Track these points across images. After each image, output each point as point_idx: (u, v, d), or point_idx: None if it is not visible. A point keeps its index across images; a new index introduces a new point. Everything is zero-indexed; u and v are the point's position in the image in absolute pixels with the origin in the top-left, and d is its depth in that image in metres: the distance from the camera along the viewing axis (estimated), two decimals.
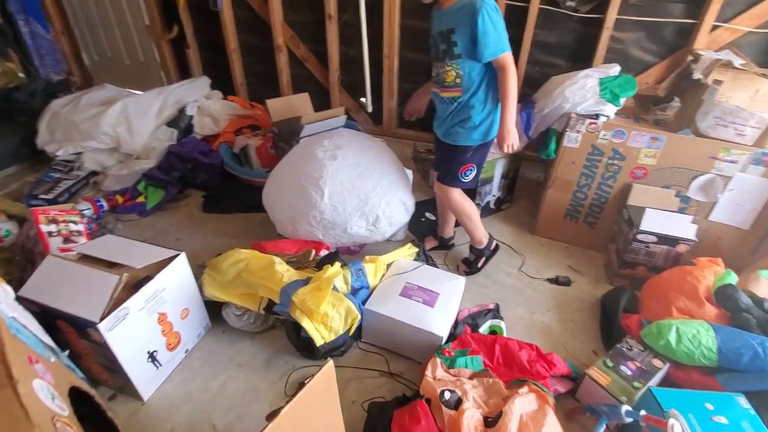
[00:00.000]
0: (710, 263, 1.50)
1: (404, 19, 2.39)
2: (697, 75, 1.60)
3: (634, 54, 2.12)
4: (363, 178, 1.66)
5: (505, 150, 1.43)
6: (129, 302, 1.19)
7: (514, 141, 1.41)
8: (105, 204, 2.03)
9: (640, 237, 1.61)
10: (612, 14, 2.00)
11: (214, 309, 1.49)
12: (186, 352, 1.45)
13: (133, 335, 1.22)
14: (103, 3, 2.99)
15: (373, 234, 1.70)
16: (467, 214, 1.67)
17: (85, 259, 1.31)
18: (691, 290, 1.43)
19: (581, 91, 1.72)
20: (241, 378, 1.36)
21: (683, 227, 1.62)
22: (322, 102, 2.73)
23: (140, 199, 2.09)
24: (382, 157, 1.76)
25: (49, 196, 2.10)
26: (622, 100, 1.73)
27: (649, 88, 1.99)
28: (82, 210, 1.85)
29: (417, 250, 1.68)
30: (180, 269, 1.34)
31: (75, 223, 1.68)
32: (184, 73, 2.99)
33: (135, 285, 1.23)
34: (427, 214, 2.14)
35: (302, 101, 2.40)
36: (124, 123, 2.19)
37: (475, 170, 1.58)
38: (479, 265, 1.80)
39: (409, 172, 1.87)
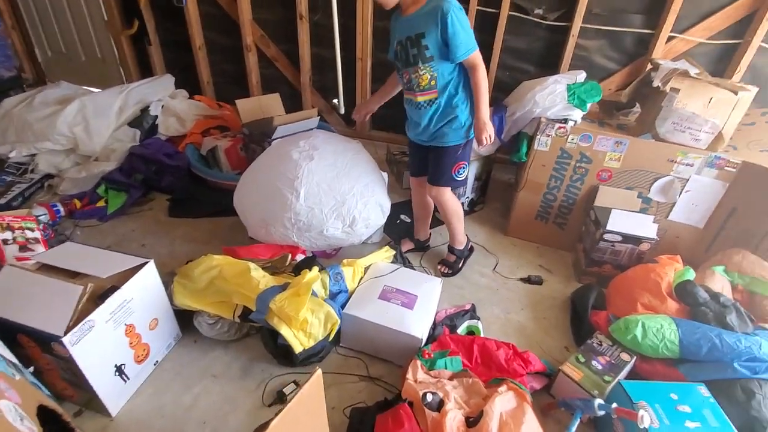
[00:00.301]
0: (670, 261, 1.59)
1: (377, 20, 2.39)
2: (656, 83, 1.69)
3: (598, 61, 2.22)
4: (340, 179, 1.64)
5: (484, 142, 1.47)
6: (94, 314, 1.12)
7: (490, 132, 1.46)
8: (62, 209, 1.91)
9: (606, 237, 1.68)
10: (577, 23, 2.08)
11: (185, 318, 1.43)
12: (155, 364, 1.38)
13: (99, 348, 1.16)
14: None
15: (350, 236, 1.68)
16: (458, 215, 1.72)
17: (45, 268, 1.22)
18: (654, 287, 1.50)
19: (551, 97, 1.78)
20: (216, 389, 1.31)
21: (645, 227, 1.70)
22: (293, 103, 2.68)
23: (100, 204, 1.98)
24: (358, 159, 1.74)
25: (1, 201, 1.94)
26: (589, 106, 1.81)
27: (613, 94, 2.09)
28: (38, 215, 1.73)
29: (394, 252, 1.68)
30: (148, 278, 1.28)
31: (32, 230, 1.57)
32: (146, 70, 2.86)
33: (100, 296, 1.16)
34: (403, 216, 2.15)
35: (273, 102, 2.35)
36: (82, 123, 2.07)
37: (467, 167, 1.63)
38: (460, 266, 1.82)
39: (385, 175, 1.87)
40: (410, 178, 1.80)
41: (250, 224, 1.71)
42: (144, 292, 1.27)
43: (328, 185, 1.61)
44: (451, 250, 1.83)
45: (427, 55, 1.37)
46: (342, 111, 2.69)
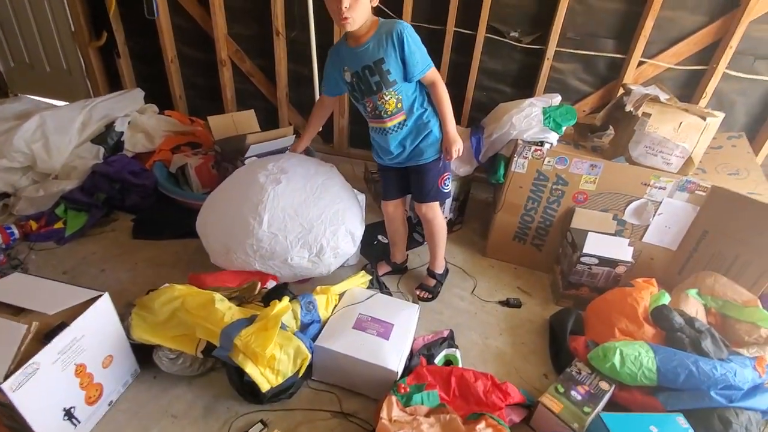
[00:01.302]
0: (646, 284, 1.59)
1: None
2: (628, 107, 1.71)
3: (572, 84, 2.26)
4: (308, 205, 1.57)
5: (454, 155, 1.47)
6: (39, 356, 1.02)
7: (459, 146, 1.47)
8: (16, 231, 1.78)
9: (583, 259, 1.68)
10: (552, 46, 2.11)
11: (143, 352, 1.33)
12: (110, 404, 1.27)
13: (44, 392, 1.06)
14: (23, 4, 2.68)
15: (317, 266, 1.59)
16: (444, 234, 1.71)
17: None
18: (631, 312, 1.50)
19: (527, 119, 1.78)
20: (176, 431, 1.22)
21: (621, 249, 1.71)
22: (269, 118, 2.62)
23: (58, 225, 1.85)
24: (330, 184, 1.68)
25: None
26: (564, 129, 1.82)
27: (587, 117, 2.12)
28: None
29: (370, 277, 1.63)
30: (102, 312, 1.19)
31: None
32: (115, 83, 2.75)
33: (47, 334, 1.06)
34: (380, 237, 2.10)
35: (247, 118, 2.28)
36: (41, 139, 1.95)
37: (451, 177, 1.63)
38: (439, 290, 1.80)
39: (362, 196, 1.82)
40: (384, 203, 1.74)
41: (213, 250, 1.62)
42: (97, 328, 1.17)
43: (295, 211, 1.53)
44: (432, 274, 1.80)
45: (390, 79, 1.37)
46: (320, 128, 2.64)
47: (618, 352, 1.34)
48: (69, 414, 1.15)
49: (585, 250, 1.67)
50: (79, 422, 1.17)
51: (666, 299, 1.53)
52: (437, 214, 1.64)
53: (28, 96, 2.38)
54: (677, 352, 1.34)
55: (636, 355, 1.33)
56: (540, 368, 1.54)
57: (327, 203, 1.60)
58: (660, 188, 1.72)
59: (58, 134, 1.97)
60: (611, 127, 1.92)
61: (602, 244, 1.70)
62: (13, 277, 1.28)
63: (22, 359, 1.00)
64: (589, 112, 2.28)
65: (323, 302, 1.43)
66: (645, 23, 1.97)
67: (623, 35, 2.08)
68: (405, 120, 1.45)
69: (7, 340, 1.03)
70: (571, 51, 2.16)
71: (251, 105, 2.54)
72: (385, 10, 2.25)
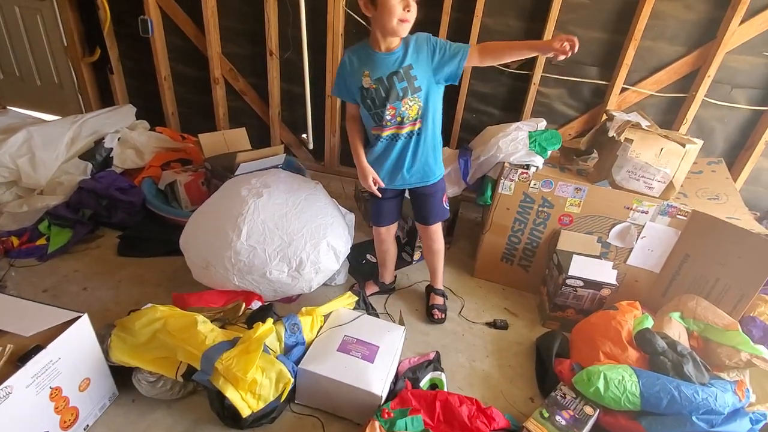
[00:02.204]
0: (630, 307, 1.61)
1: None
2: (611, 133, 1.76)
3: (558, 108, 2.31)
4: (288, 218, 1.55)
5: (567, 44, 1.29)
6: (12, 379, 1.00)
7: (570, 37, 1.31)
8: None
9: (569, 282, 1.69)
10: (538, 72, 2.18)
11: (122, 373, 1.30)
12: (86, 428, 1.24)
13: (17, 417, 1.02)
14: (15, 19, 2.69)
15: (297, 281, 1.55)
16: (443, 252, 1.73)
17: None
18: (615, 335, 1.51)
19: (513, 143, 1.82)
20: None
21: (606, 272, 1.73)
22: (261, 136, 2.64)
23: (41, 242, 1.83)
24: (313, 199, 1.67)
25: None
26: (549, 152, 1.86)
27: (573, 140, 2.17)
28: None
29: (357, 298, 1.62)
30: (80, 334, 1.16)
31: None
32: (107, 99, 2.75)
33: (21, 357, 1.04)
34: (368, 256, 2.10)
35: (238, 136, 2.30)
36: (27, 154, 1.93)
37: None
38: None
39: (351, 215, 1.82)
40: (376, 229, 1.70)
41: (193, 264, 1.60)
42: (74, 350, 1.15)
43: (275, 224, 1.52)
44: (438, 291, 1.82)
45: (416, 85, 1.38)
46: (311, 146, 2.66)
47: (602, 376, 1.34)
48: None
49: (570, 272, 1.69)
50: None
51: (649, 322, 1.54)
52: (440, 234, 1.69)
53: (15, 109, 2.35)
54: (660, 376, 1.35)
55: (620, 379, 1.33)
56: (526, 392, 1.53)
57: (309, 217, 1.58)
58: (642, 212, 1.76)
59: (45, 149, 1.96)
60: (595, 151, 1.96)
61: (587, 267, 1.72)
62: None
63: None
64: (575, 135, 2.33)
65: (308, 324, 1.42)
66: (627, 52, 2.04)
67: (606, 63, 2.15)
68: (419, 128, 1.44)
69: None
70: (557, 77, 2.22)
71: (243, 123, 2.56)
72: None
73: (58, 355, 1.10)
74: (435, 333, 1.73)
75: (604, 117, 1.98)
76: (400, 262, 2.09)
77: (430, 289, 1.85)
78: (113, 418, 1.27)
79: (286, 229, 1.53)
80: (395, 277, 1.93)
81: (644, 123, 1.80)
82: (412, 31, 1.37)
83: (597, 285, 1.69)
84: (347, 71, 1.42)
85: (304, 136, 2.63)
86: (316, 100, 2.51)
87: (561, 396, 1.39)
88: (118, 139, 2.19)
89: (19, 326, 1.10)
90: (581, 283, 1.70)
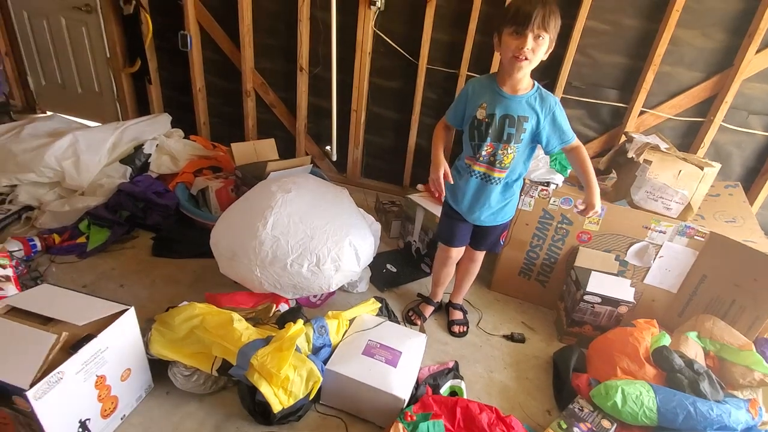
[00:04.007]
0: (647, 325, 1.64)
1: (372, 77, 2.53)
2: (630, 154, 1.82)
3: (577, 128, 2.38)
4: (313, 214, 1.59)
5: (592, 215, 1.47)
6: (65, 365, 1.06)
7: (598, 209, 1.46)
8: (38, 243, 1.85)
9: (586, 298, 1.73)
10: (558, 93, 2.25)
11: (158, 367, 1.37)
12: (122, 418, 1.30)
13: (65, 403, 1.08)
14: (61, 30, 2.87)
15: (316, 276, 1.56)
16: None
17: (16, 312, 1.17)
18: (632, 351, 1.54)
19: (534, 161, 1.88)
20: None
21: (623, 290, 1.76)
22: (286, 147, 2.74)
23: (81, 240, 1.92)
24: (339, 201, 1.73)
25: None
26: (569, 171, 1.92)
27: (592, 160, 2.22)
28: (12, 251, 1.67)
29: (380, 305, 1.68)
30: (127, 326, 1.23)
31: (3, 266, 1.50)
32: (143, 107, 2.90)
33: (74, 345, 1.11)
34: (389, 266, 2.16)
35: (267, 147, 2.40)
36: (72, 157, 2.05)
37: None
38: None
39: (377, 225, 1.89)
40: (446, 248, 1.70)
41: (220, 256, 1.64)
42: (120, 342, 1.22)
43: (300, 218, 1.57)
44: (458, 307, 1.88)
45: (521, 137, 1.40)
46: (334, 158, 2.76)
47: (620, 390, 1.37)
48: (84, 426, 1.17)
49: (588, 289, 1.73)
50: None
51: (667, 340, 1.57)
52: (482, 258, 1.76)
53: (61, 115, 2.50)
54: (676, 392, 1.38)
55: (637, 395, 1.36)
56: (544, 404, 1.56)
57: (333, 216, 1.63)
58: (660, 232, 1.80)
59: (89, 153, 2.07)
60: (614, 171, 2.02)
61: (605, 284, 1.76)
62: (41, 287, 1.34)
63: (48, 368, 1.04)
64: (593, 156, 2.39)
65: (334, 327, 1.48)
66: (646, 77, 2.11)
67: (626, 86, 2.22)
68: (504, 177, 1.47)
69: (35, 349, 1.07)
70: (577, 98, 2.29)
71: (271, 134, 2.67)
72: (406, 54, 2.41)
73: (106, 345, 1.17)
74: (454, 343, 1.77)
75: (624, 138, 2.03)
76: (419, 273, 2.15)
77: (450, 304, 1.90)
78: (149, 409, 1.33)
79: (310, 223, 1.57)
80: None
81: (663, 145, 1.85)
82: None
83: (615, 302, 1.73)
84: (468, 97, 1.44)
85: (328, 147, 2.73)
86: (341, 114, 2.62)
87: (579, 409, 1.42)
88: (156, 145, 2.30)
89: (71, 316, 1.17)
90: (599, 300, 1.73)
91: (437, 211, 2.01)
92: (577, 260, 1.86)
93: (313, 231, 1.57)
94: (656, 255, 1.83)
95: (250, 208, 1.64)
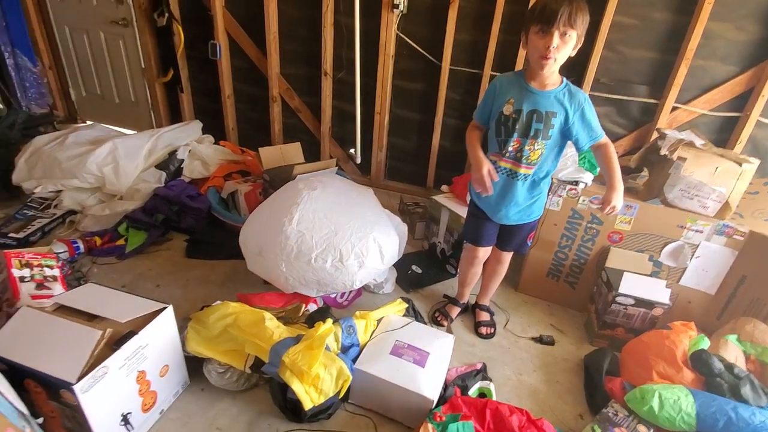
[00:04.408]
0: (684, 327, 1.58)
1: (395, 79, 2.55)
2: (663, 151, 1.76)
3: (605, 126, 2.31)
4: (338, 211, 1.61)
5: (610, 210, 1.38)
6: (109, 360, 1.11)
7: (619, 207, 1.39)
8: (81, 245, 1.95)
9: (618, 299, 1.69)
10: (585, 90, 2.21)
11: (194, 364, 1.42)
12: (161, 413, 1.35)
13: (108, 396, 1.14)
14: (100, 43, 3.03)
15: (339, 273, 1.55)
16: None
17: (63, 310, 1.24)
18: (669, 355, 1.49)
19: (562, 159, 1.84)
20: None
21: (658, 291, 1.71)
22: (311, 150, 2.80)
23: (120, 242, 2.02)
24: (364, 200, 1.74)
25: (20, 235, 1.99)
26: (599, 170, 1.87)
27: (621, 158, 2.16)
28: (58, 252, 1.77)
29: (407, 306, 1.68)
30: (165, 323, 1.29)
31: (51, 267, 1.59)
32: (175, 115, 3.02)
33: (117, 341, 1.17)
34: (414, 267, 2.16)
35: (294, 150, 2.46)
36: (112, 163, 2.16)
37: None
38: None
39: (404, 227, 1.90)
40: (473, 248, 1.68)
41: (248, 252, 1.68)
42: (159, 339, 1.27)
43: (325, 214, 1.59)
44: (485, 308, 1.86)
45: (549, 133, 1.38)
46: (358, 161, 2.79)
47: (657, 395, 1.33)
48: (125, 419, 1.23)
49: (620, 290, 1.68)
50: (133, 428, 1.25)
51: (705, 344, 1.51)
52: (509, 258, 1.74)
53: (101, 124, 2.64)
54: (716, 397, 1.32)
55: (675, 399, 1.32)
56: (575, 408, 1.53)
57: (358, 213, 1.64)
58: (697, 231, 1.73)
59: (127, 159, 2.18)
60: (646, 169, 1.96)
61: (638, 285, 1.71)
62: (86, 287, 1.41)
63: (93, 363, 1.10)
64: (623, 153, 2.33)
65: (362, 327, 1.49)
66: (678, 71, 2.05)
67: (656, 82, 2.16)
68: (532, 174, 1.46)
69: (82, 345, 1.12)
70: (605, 95, 2.24)
71: (296, 138, 2.73)
72: (428, 56, 2.42)
73: (147, 341, 1.23)
74: (481, 345, 1.76)
75: (656, 135, 1.98)
76: (444, 275, 2.15)
77: (476, 306, 1.89)
78: (185, 405, 1.38)
79: (335, 219, 1.59)
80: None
81: (698, 142, 1.79)
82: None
83: (649, 304, 1.67)
84: (495, 94, 1.43)
85: (352, 150, 2.77)
86: (364, 117, 2.65)
87: (613, 413, 1.38)
88: (189, 151, 2.40)
89: (114, 313, 1.23)
90: (632, 302, 1.69)
91: (462, 212, 2.01)
92: (608, 261, 1.82)
93: (338, 227, 1.58)
94: (692, 255, 1.77)
95: (277, 205, 1.69)
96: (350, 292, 1.88)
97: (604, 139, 1.44)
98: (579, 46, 1.30)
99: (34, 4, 2.98)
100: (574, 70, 2.22)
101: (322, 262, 1.54)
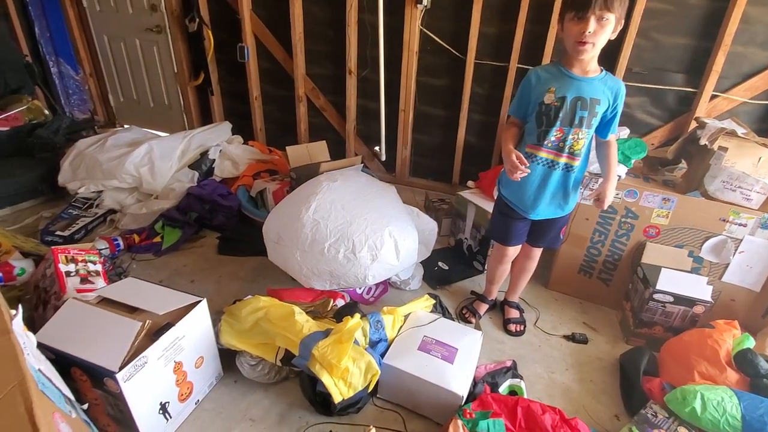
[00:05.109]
0: (728, 326, 1.50)
1: (419, 75, 2.54)
2: (703, 141, 1.68)
3: (639, 117, 2.24)
4: (356, 203, 1.60)
5: (605, 206, 1.45)
6: (148, 351, 1.16)
7: (610, 201, 1.45)
8: (121, 243, 2.04)
9: (656, 296, 1.62)
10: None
11: (227, 357, 1.46)
12: (197, 403, 1.40)
13: (148, 385, 1.19)
14: (136, 50, 3.16)
15: (352, 264, 1.52)
16: None
17: (106, 302, 1.30)
18: (712, 354, 1.42)
19: (594, 152, 1.79)
20: None
21: (699, 288, 1.63)
22: (337, 149, 2.82)
23: (156, 239, 2.10)
24: (385, 195, 1.73)
25: (65, 233, 2.11)
26: (633, 162, 1.81)
27: (656, 150, 2.08)
28: (100, 249, 1.86)
29: (434, 302, 1.68)
30: (200, 316, 1.33)
31: (93, 263, 1.67)
32: (206, 117, 3.12)
33: (156, 332, 1.22)
34: (440, 264, 2.15)
35: (320, 149, 2.49)
36: (148, 164, 2.25)
37: None
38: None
39: (433, 224, 1.89)
40: (502, 248, 1.65)
41: (269, 241, 1.69)
42: (194, 330, 1.32)
43: (342, 205, 1.59)
44: (513, 305, 1.83)
45: (593, 122, 1.34)
46: (383, 158, 2.80)
47: (699, 396, 1.27)
48: (164, 408, 1.28)
49: (658, 287, 1.61)
50: (170, 417, 1.30)
51: (750, 343, 1.43)
52: (539, 254, 1.70)
53: (138, 127, 2.76)
54: (763, 399, 1.25)
55: (719, 401, 1.25)
56: (611, 408, 1.48)
57: (376, 206, 1.63)
58: (740, 225, 1.64)
59: (162, 160, 2.27)
60: (683, 160, 1.87)
61: (678, 282, 1.63)
62: (126, 281, 1.48)
63: (134, 353, 1.15)
64: (658, 145, 2.24)
65: (390, 322, 1.50)
66: (716, 58, 1.95)
67: (693, 70, 2.06)
68: (575, 165, 1.41)
69: (123, 336, 1.18)
70: (638, 84, 2.16)
71: (322, 136, 2.76)
72: (453, 51, 2.40)
73: (183, 333, 1.27)
74: (510, 342, 1.73)
75: (694, 125, 1.89)
76: (471, 271, 2.12)
77: (505, 302, 1.85)
78: (219, 396, 1.43)
79: (351, 210, 1.58)
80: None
81: (740, 131, 1.69)
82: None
83: (689, 301, 1.60)
84: (532, 86, 1.38)
85: (377, 148, 2.77)
86: (389, 114, 2.65)
87: (652, 414, 1.33)
88: (219, 151, 2.47)
89: (152, 306, 1.28)
90: (671, 299, 1.62)
91: (489, 207, 1.98)
92: (644, 257, 1.75)
93: (353, 217, 1.57)
94: (736, 250, 1.67)
95: (298, 196, 1.71)
96: (376, 288, 1.89)
97: (616, 134, 1.42)
98: (619, 28, 1.25)
99: (75, 14, 3.15)
100: (604, 60, 2.13)
101: (334, 252, 1.53)
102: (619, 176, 1.79)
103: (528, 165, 1.35)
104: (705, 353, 1.43)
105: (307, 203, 1.60)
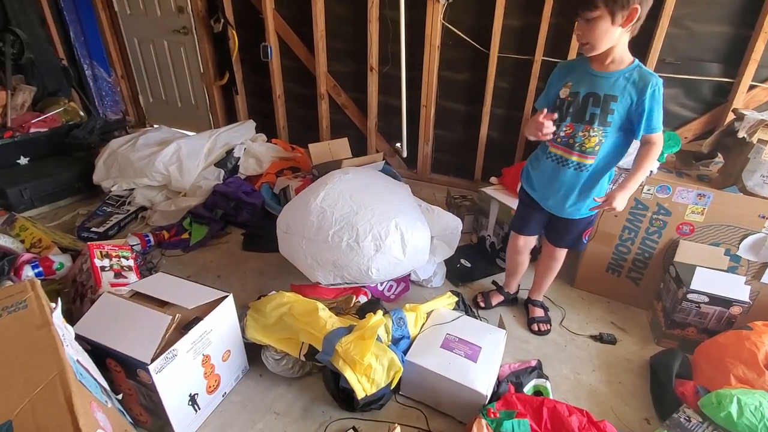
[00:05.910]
0: (767, 328, 1.43)
1: (441, 70, 2.51)
2: (741, 134, 1.59)
3: (672, 109, 2.15)
4: (365, 194, 1.59)
5: (608, 209, 1.34)
6: (178, 344, 1.20)
7: (620, 209, 1.33)
8: (152, 239, 2.12)
9: (690, 297, 1.56)
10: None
11: (252, 351, 1.49)
12: (224, 395, 1.44)
13: (178, 377, 1.23)
14: (164, 52, 3.26)
15: (354, 253, 1.50)
16: None
17: (138, 296, 1.35)
18: (749, 357, 1.35)
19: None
20: (279, 427, 1.34)
21: (736, 288, 1.55)
22: (358, 146, 2.83)
23: (185, 236, 2.17)
24: (397, 189, 1.73)
25: (100, 230, 2.20)
26: (666, 156, 1.74)
27: (690, 143, 1.99)
28: (133, 245, 1.93)
29: (456, 299, 1.66)
30: (227, 311, 1.36)
31: (126, 258, 1.74)
32: (231, 116, 3.18)
33: (185, 326, 1.26)
34: (462, 261, 2.13)
35: (341, 146, 2.50)
36: (176, 162, 2.32)
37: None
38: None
39: (457, 222, 1.87)
40: (514, 236, 1.65)
41: (280, 231, 1.71)
42: (222, 324, 1.35)
43: (351, 195, 1.59)
44: (538, 304, 1.79)
45: (609, 119, 1.27)
46: (405, 154, 2.79)
47: (735, 400, 1.21)
48: (193, 400, 1.32)
49: (693, 287, 1.55)
50: (199, 408, 1.34)
51: None
52: (563, 255, 1.64)
53: (166, 126, 2.85)
54: None
55: (756, 405, 1.19)
56: (640, 412, 1.43)
57: (385, 199, 1.62)
58: None
59: (189, 159, 2.34)
60: (720, 154, 1.79)
61: (713, 281, 1.57)
62: (157, 276, 1.54)
63: (165, 346, 1.19)
64: (692, 138, 2.14)
65: (412, 319, 1.50)
66: (755, 47, 1.85)
67: (730, 59, 1.96)
68: (590, 164, 1.34)
69: (155, 329, 1.22)
70: (671, 75, 2.07)
71: (343, 134, 2.78)
72: (476, 44, 2.37)
73: (211, 327, 1.31)
74: (535, 341, 1.70)
75: (732, 117, 1.79)
76: (494, 268, 2.09)
77: (529, 301, 1.82)
78: (245, 389, 1.46)
79: (359, 200, 1.58)
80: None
81: None
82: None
83: (726, 302, 1.53)
84: (554, 80, 1.38)
85: (398, 144, 2.77)
86: (410, 110, 2.64)
87: (685, 419, 1.28)
88: (244, 149, 2.52)
89: (182, 300, 1.32)
90: (706, 299, 1.55)
91: (513, 203, 1.95)
92: (677, 255, 1.68)
93: (360, 207, 1.56)
94: None
95: (310, 188, 1.73)
96: (397, 285, 1.89)
97: (657, 136, 1.29)
98: (627, 22, 1.16)
99: (107, 18, 3.27)
100: (635, 50, 2.05)
101: (338, 240, 1.51)
102: (651, 171, 1.72)
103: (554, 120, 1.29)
104: (742, 356, 1.36)
105: (316, 192, 1.62)
